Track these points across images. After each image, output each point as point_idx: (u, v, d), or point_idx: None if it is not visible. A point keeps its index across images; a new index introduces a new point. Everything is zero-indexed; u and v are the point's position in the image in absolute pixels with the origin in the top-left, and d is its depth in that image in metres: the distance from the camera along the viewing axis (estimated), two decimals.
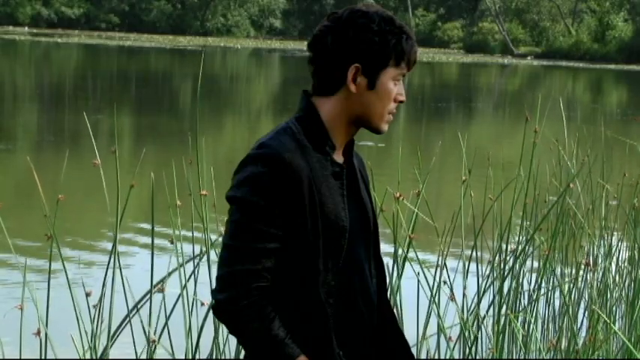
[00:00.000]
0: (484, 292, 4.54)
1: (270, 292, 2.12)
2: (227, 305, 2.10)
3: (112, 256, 3.82)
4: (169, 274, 3.94)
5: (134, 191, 3.93)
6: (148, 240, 3.99)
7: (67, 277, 3.76)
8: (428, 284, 4.30)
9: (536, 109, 4.53)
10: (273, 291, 2.13)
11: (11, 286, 3.79)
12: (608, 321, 4.45)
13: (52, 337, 3.78)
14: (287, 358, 2.10)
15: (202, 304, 4.01)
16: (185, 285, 3.98)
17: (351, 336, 2.22)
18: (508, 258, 4.62)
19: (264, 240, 2.10)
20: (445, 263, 4.39)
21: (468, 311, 4.44)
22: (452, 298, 4.33)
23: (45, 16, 74.01)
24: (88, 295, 3.78)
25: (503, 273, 4.57)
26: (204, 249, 4.01)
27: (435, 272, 4.39)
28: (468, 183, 4.53)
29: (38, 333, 3.65)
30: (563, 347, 4.78)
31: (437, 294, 4.35)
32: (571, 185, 5.01)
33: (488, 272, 4.63)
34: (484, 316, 4.49)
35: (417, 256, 4.27)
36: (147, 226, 3.90)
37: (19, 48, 47.84)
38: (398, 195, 3.99)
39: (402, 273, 4.18)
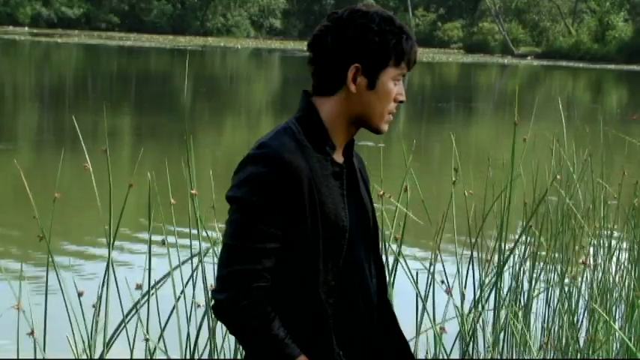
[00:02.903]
0: (483, 291, 4.54)
1: (270, 292, 2.12)
2: (227, 305, 2.10)
3: (109, 256, 3.82)
4: (168, 274, 3.94)
5: (133, 191, 3.93)
6: (146, 240, 3.99)
7: (59, 278, 3.76)
8: (416, 285, 4.30)
9: (529, 106, 4.53)
10: (273, 291, 2.13)
11: (8, 286, 3.78)
12: (608, 319, 4.45)
13: (49, 338, 3.78)
14: (287, 358, 2.10)
15: (199, 305, 4.01)
16: (184, 286, 3.98)
17: (351, 336, 2.22)
18: (507, 257, 4.62)
19: (264, 240, 2.10)
20: (444, 262, 4.40)
21: (466, 310, 4.44)
22: (448, 291, 4.34)
23: (45, 16, 73.99)
24: (80, 295, 3.78)
25: (502, 272, 4.57)
26: (203, 248, 4.00)
27: (429, 270, 4.39)
28: (468, 182, 4.53)
29: (32, 333, 3.65)
30: (563, 347, 4.78)
31: (435, 292, 4.35)
32: (558, 177, 5.01)
33: (487, 271, 4.64)
34: (481, 315, 4.49)
35: (409, 256, 4.27)
36: (145, 226, 3.91)
37: (19, 48, 47.83)
38: (381, 193, 4.00)
39: (395, 271, 4.19)
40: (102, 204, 3.92)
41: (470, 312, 4.45)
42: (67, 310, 3.75)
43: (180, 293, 3.95)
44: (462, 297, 4.43)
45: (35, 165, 12.52)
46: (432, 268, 4.40)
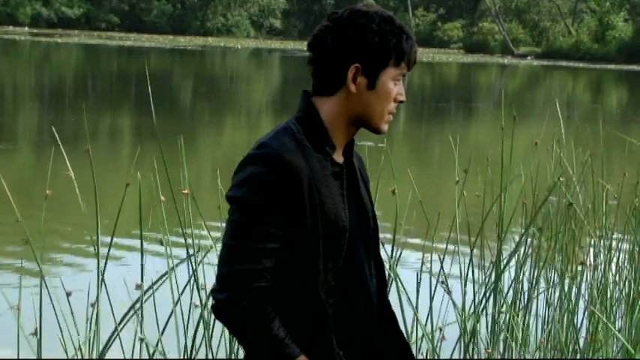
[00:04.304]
0: (483, 291, 4.54)
1: (270, 292, 2.12)
2: (227, 305, 2.10)
3: (107, 256, 3.82)
4: (165, 274, 3.94)
5: (132, 191, 3.92)
6: (144, 240, 3.98)
7: (62, 281, 3.75)
8: (414, 285, 4.29)
9: (530, 106, 4.54)
10: (273, 291, 2.12)
11: (7, 288, 3.80)
12: (607, 322, 4.45)
13: (48, 339, 3.77)
14: (287, 358, 2.10)
15: (196, 306, 4.00)
16: (185, 285, 3.97)
17: (351, 336, 2.22)
18: (510, 258, 4.62)
19: (264, 240, 2.10)
20: (445, 262, 4.40)
21: (467, 310, 4.44)
22: (446, 290, 4.34)
23: (45, 16, 73.97)
24: (68, 294, 3.78)
25: (503, 273, 4.57)
26: (202, 248, 4.00)
27: (433, 271, 4.39)
28: (467, 183, 4.53)
29: (35, 333, 3.65)
30: (562, 347, 4.78)
31: (436, 292, 4.35)
32: (561, 179, 5.01)
33: (487, 271, 4.64)
34: (480, 315, 4.49)
35: (410, 256, 4.27)
36: (144, 225, 3.91)
37: (19, 48, 47.82)
38: (392, 189, 4.00)
39: (396, 270, 4.18)
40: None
41: (470, 312, 4.44)
42: (70, 310, 3.75)
43: (180, 294, 3.94)
44: (463, 297, 4.43)
45: (35, 165, 12.52)
46: (432, 268, 4.40)
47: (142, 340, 3.87)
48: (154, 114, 4.22)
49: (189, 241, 4.00)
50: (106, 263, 3.83)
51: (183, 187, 4.02)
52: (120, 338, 3.86)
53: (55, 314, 3.75)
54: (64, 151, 3.99)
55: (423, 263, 4.43)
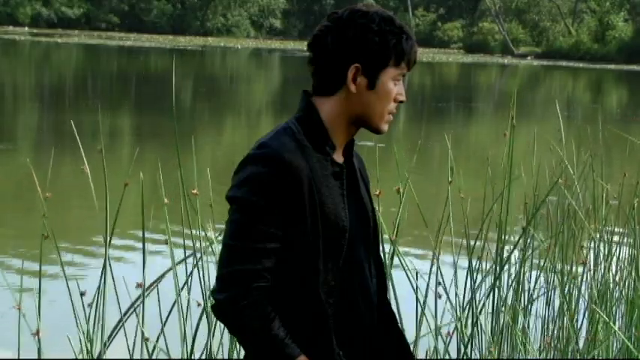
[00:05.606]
0: (483, 291, 4.54)
1: (270, 292, 2.12)
2: (227, 305, 2.10)
3: (106, 255, 3.82)
4: (164, 274, 3.94)
5: (133, 191, 3.92)
6: (146, 239, 3.98)
7: (66, 277, 3.75)
8: (416, 286, 4.29)
9: (530, 106, 4.54)
10: (273, 291, 2.13)
11: (7, 287, 3.79)
12: (608, 320, 4.45)
13: (48, 338, 3.77)
14: (287, 358, 2.10)
15: (198, 304, 4.00)
16: (184, 285, 3.97)
17: (351, 336, 2.22)
18: (508, 258, 4.62)
19: (264, 240, 2.10)
20: (444, 263, 4.40)
21: (467, 310, 4.44)
22: (439, 296, 4.34)
23: (45, 16, 73.96)
24: (82, 294, 3.78)
25: (502, 272, 4.57)
26: (202, 247, 4.00)
27: (432, 271, 4.39)
28: (467, 183, 4.53)
29: (37, 333, 3.65)
30: (563, 347, 4.78)
31: (435, 293, 4.35)
32: (560, 181, 5.01)
33: (487, 272, 4.64)
34: (480, 315, 4.49)
35: (402, 258, 4.27)
36: (145, 225, 3.91)
37: (19, 48, 47.82)
38: (377, 192, 4.00)
39: (390, 270, 4.18)
40: (99, 204, 3.92)
41: (470, 312, 4.44)
42: (72, 309, 3.75)
43: (180, 292, 3.94)
44: (463, 297, 4.42)
45: (34, 165, 12.51)
46: (431, 269, 4.40)
47: (144, 339, 3.87)
48: (173, 114, 4.21)
49: (189, 241, 4.00)
50: (105, 262, 3.82)
51: (185, 188, 4.02)
52: (119, 337, 3.86)
53: (56, 314, 3.75)
54: (82, 151, 3.99)
55: (426, 263, 4.44)
